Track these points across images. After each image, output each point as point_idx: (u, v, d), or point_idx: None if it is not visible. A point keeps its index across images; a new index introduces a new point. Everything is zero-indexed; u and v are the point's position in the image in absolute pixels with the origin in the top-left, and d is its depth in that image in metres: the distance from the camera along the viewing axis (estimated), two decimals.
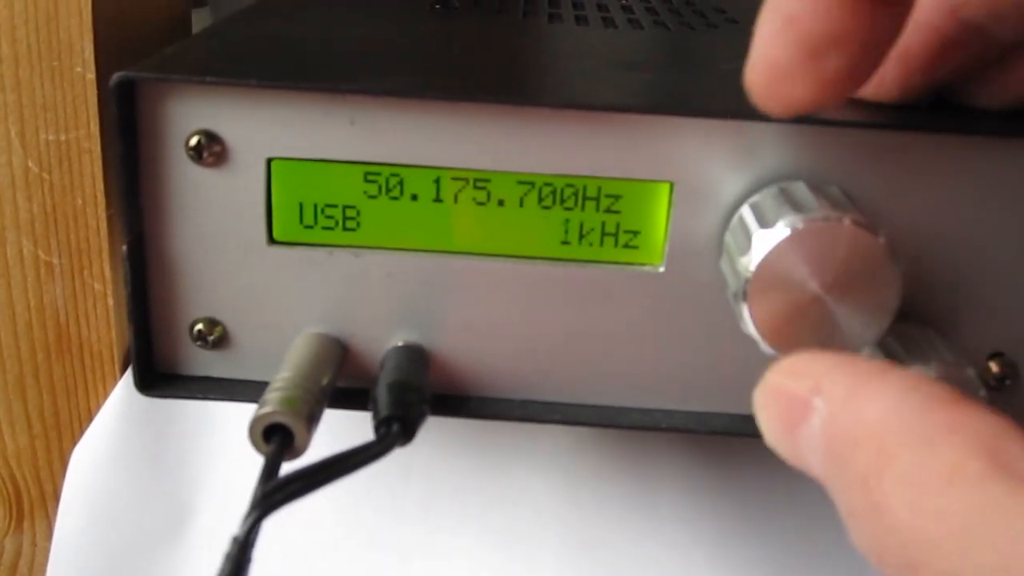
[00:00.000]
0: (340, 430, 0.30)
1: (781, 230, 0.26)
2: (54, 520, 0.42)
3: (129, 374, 0.40)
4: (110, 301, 0.40)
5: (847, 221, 0.26)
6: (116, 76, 0.28)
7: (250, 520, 0.24)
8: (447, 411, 0.32)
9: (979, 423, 0.18)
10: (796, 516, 0.39)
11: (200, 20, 0.75)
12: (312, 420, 0.28)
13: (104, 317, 0.40)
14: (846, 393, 0.20)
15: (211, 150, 0.30)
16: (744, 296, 0.26)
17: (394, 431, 0.27)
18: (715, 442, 0.41)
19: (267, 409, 0.27)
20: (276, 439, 0.27)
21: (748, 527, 0.39)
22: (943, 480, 0.17)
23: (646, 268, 0.31)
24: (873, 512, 0.18)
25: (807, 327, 0.27)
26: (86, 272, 0.39)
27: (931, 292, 0.31)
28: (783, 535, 0.39)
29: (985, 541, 0.16)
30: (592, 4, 0.48)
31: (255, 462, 0.27)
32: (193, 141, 0.29)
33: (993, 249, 0.30)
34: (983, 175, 0.29)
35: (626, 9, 0.48)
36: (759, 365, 0.31)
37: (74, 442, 0.41)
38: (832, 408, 0.20)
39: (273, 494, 0.25)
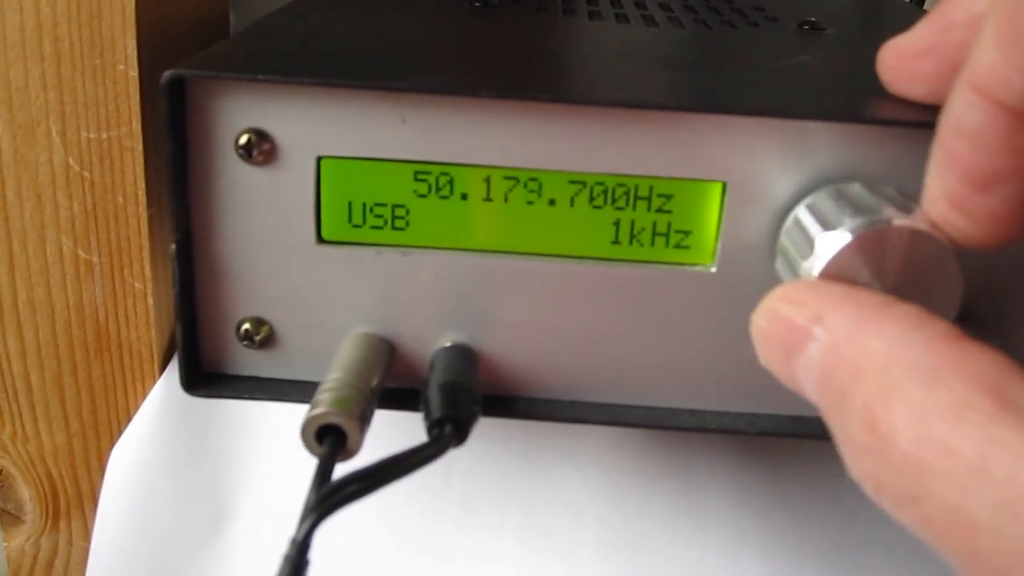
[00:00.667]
0: (381, 431, 0.29)
1: (844, 234, 0.26)
2: (90, 520, 0.42)
3: (168, 373, 0.40)
4: (150, 300, 0.39)
5: (913, 225, 0.25)
6: (167, 74, 0.28)
7: (308, 523, 0.24)
8: (497, 412, 0.31)
9: (984, 361, 0.18)
10: (841, 517, 0.39)
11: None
12: (364, 421, 0.28)
13: (144, 316, 0.40)
14: (850, 325, 0.20)
15: (261, 148, 0.29)
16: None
17: (447, 432, 0.27)
18: (760, 443, 0.40)
19: (320, 410, 0.27)
20: (329, 440, 0.27)
21: (794, 529, 0.38)
22: (952, 415, 0.17)
23: (697, 268, 0.30)
24: (874, 442, 0.18)
25: None
26: (126, 271, 0.39)
27: (989, 295, 0.30)
28: (828, 537, 0.38)
29: (992, 478, 0.16)
30: (630, 2, 0.48)
31: (293, 461, 0.27)
32: (243, 139, 0.29)
33: None
34: None
35: (664, 7, 0.47)
36: None
37: (112, 441, 0.41)
38: (834, 338, 0.21)
39: (330, 496, 0.25)
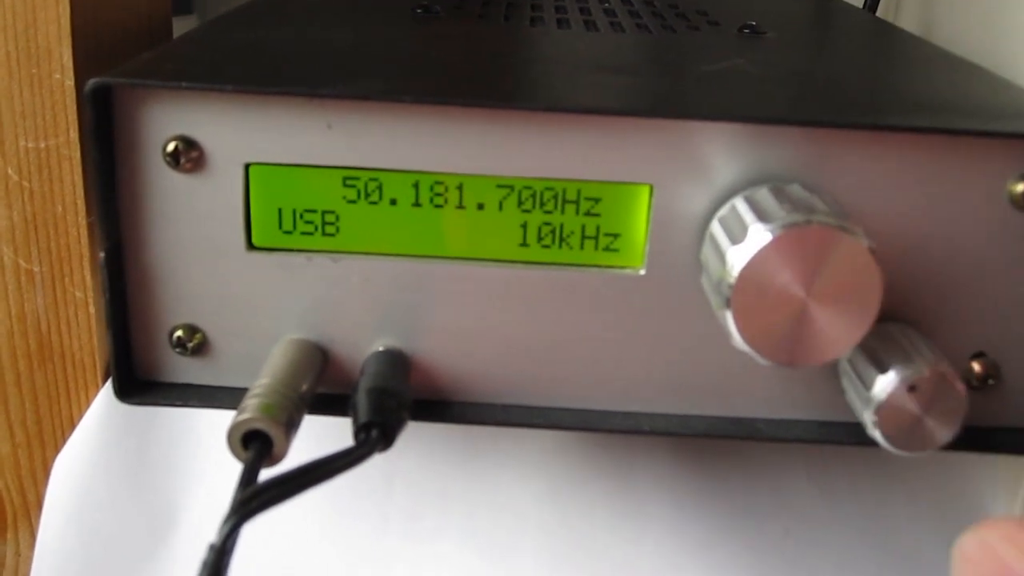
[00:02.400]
0: (325, 435, 0.30)
1: (751, 244, 0.26)
2: (37, 528, 0.42)
3: (112, 381, 0.40)
4: (91, 309, 0.39)
5: (815, 223, 0.26)
6: (91, 82, 0.28)
7: (227, 527, 0.24)
8: (429, 416, 0.32)
9: None
10: (782, 518, 0.39)
11: (186, 27, 0.75)
12: (291, 426, 0.28)
13: (86, 325, 0.40)
14: None
15: (188, 156, 0.29)
16: (727, 308, 0.27)
17: (373, 437, 0.27)
18: (699, 444, 0.41)
19: (245, 416, 0.27)
20: (255, 446, 0.27)
21: (733, 529, 0.39)
22: None
23: (627, 271, 0.31)
24: None
25: (792, 330, 0.27)
26: (67, 280, 0.39)
27: (914, 293, 0.31)
28: (768, 537, 0.39)
29: None
30: (574, 8, 0.48)
31: (238, 469, 0.27)
32: (170, 147, 0.29)
33: (975, 249, 0.30)
34: (964, 174, 0.29)
35: (608, 12, 0.48)
36: (741, 367, 0.31)
37: (57, 450, 0.40)
38: None
39: (250, 501, 0.25)
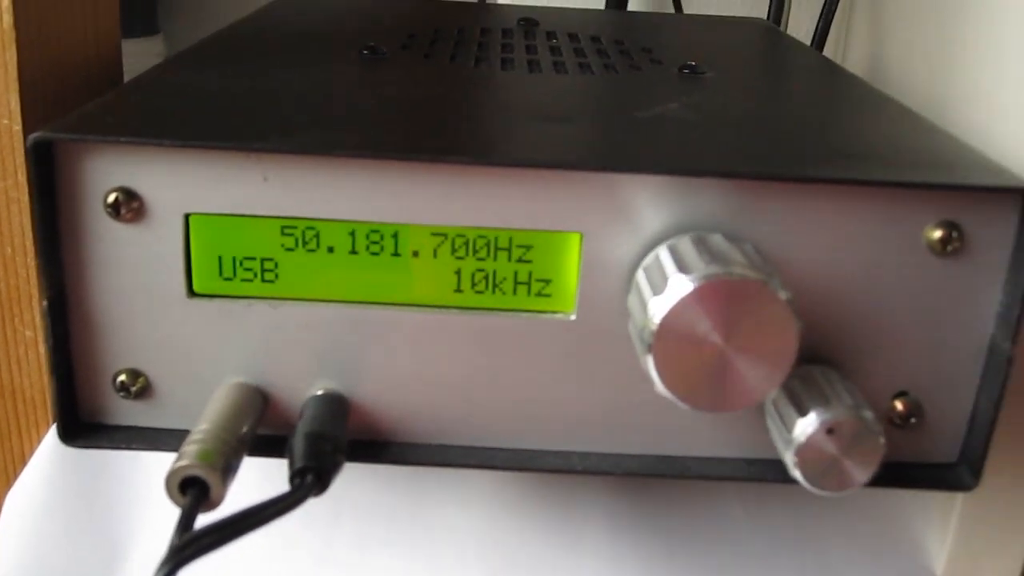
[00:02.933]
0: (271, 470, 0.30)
1: (671, 294, 0.27)
2: None
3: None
4: (41, 348, 0.40)
5: (733, 276, 0.27)
6: (32, 137, 0.29)
7: (163, 572, 0.25)
8: (367, 457, 0.32)
9: None
10: (720, 553, 0.40)
11: (151, 49, 0.75)
12: (229, 471, 0.29)
13: (35, 363, 0.40)
14: None
15: (129, 206, 0.30)
16: (648, 354, 0.27)
17: (308, 482, 0.28)
18: (639, 482, 0.42)
19: (183, 463, 0.28)
20: (192, 492, 0.28)
21: (672, 565, 0.40)
22: None
23: (558, 316, 0.32)
24: None
25: (712, 377, 0.28)
26: (17, 320, 0.39)
27: (835, 334, 0.32)
28: (707, 571, 0.40)
29: None
30: (521, 46, 0.49)
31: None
32: (111, 198, 0.30)
33: (896, 293, 0.31)
34: (883, 221, 0.31)
35: (554, 51, 0.49)
36: (670, 407, 0.32)
37: (7, 486, 0.41)
38: None
39: (186, 548, 0.25)
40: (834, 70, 0.49)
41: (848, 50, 0.70)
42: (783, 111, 0.40)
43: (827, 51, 0.67)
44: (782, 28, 0.72)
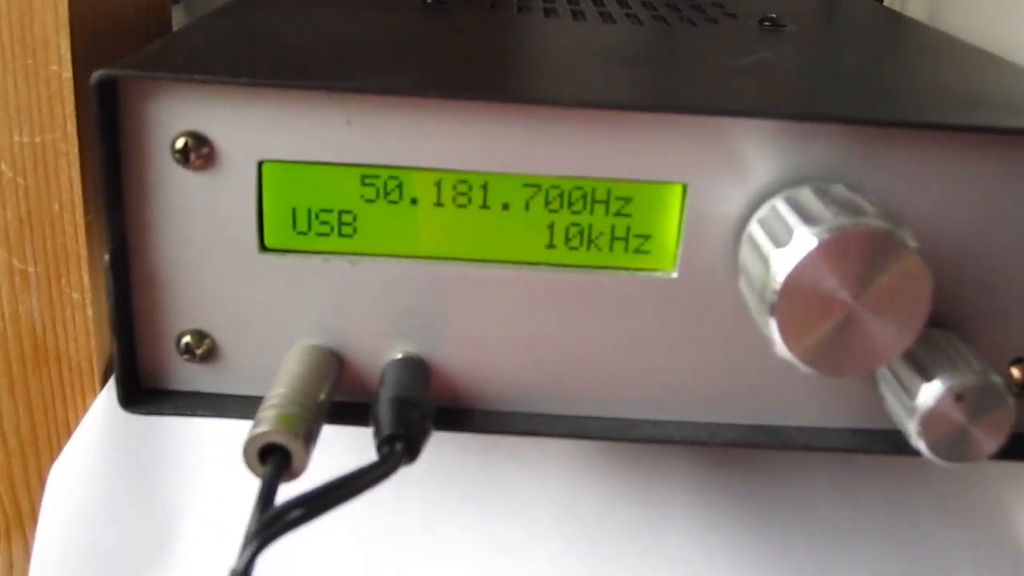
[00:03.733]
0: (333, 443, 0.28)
1: (797, 248, 0.25)
2: (31, 539, 0.40)
3: (110, 387, 0.38)
4: (89, 311, 0.38)
5: (863, 226, 0.25)
6: (97, 74, 0.26)
7: (248, 551, 0.23)
8: (451, 426, 0.30)
9: None
10: (807, 528, 0.38)
11: (175, 17, 0.73)
12: (310, 439, 0.27)
13: (83, 327, 0.38)
14: None
15: (199, 152, 0.28)
16: (770, 315, 0.25)
17: (398, 450, 0.26)
18: (723, 453, 0.40)
19: (263, 428, 0.26)
20: (273, 460, 0.26)
21: (758, 540, 0.38)
22: None
23: (658, 274, 0.29)
24: None
25: (838, 338, 0.25)
26: (63, 281, 0.37)
27: (955, 297, 0.30)
28: (794, 548, 0.38)
29: None
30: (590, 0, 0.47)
31: (239, 477, 0.26)
32: (179, 143, 0.28)
33: (1013, 247, 0.29)
34: (1011, 172, 0.28)
35: (622, 4, 0.46)
36: (774, 374, 0.30)
37: (52, 458, 0.39)
38: None
39: (272, 523, 0.23)
40: (911, 23, 0.47)
41: (906, 4, 0.68)
42: (880, 63, 0.38)
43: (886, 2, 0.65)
44: None
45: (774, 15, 0.42)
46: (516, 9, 0.43)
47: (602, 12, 0.43)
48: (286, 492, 0.25)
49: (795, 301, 0.25)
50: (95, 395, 0.39)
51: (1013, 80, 0.34)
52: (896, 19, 0.48)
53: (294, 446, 0.26)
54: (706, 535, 0.37)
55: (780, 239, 0.26)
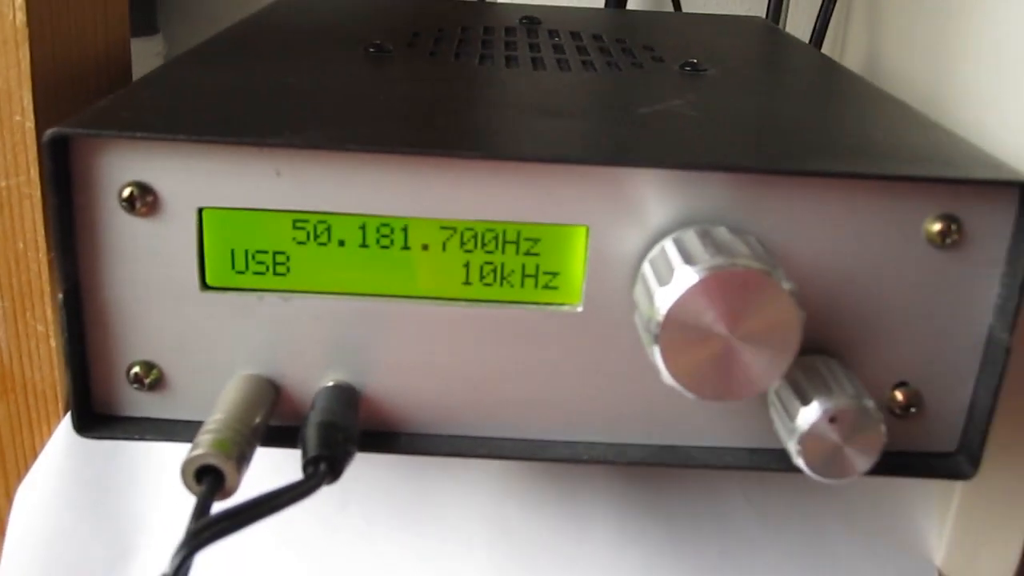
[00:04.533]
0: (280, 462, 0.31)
1: (677, 285, 0.28)
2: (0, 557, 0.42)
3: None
4: (52, 342, 0.40)
5: (737, 267, 0.27)
6: (49, 133, 0.29)
7: (179, 556, 0.25)
8: (378, 447, 0.33)
9: None
10: (722, 541, 0.41)
11: (150, 48, 0.76)
12: (243, 460, 0.29)
13: (47, 357, 0.41)
14: None
15: (144, 200, 0.31)
16: (655, 345, 0.28)
17: (321, 470, 0.29)
18: (640, 469, 0.42)
19: (198, 451, 0.28)
20: (208, 480, 0.28)
21: (674, 551, 0.40)
22: None
23: (565, 308, 0.32)
24: None
25: (717, 367, 0.28)
26: (28, 314, 0.40)
27: (838, 326, 0.32)
28: (708, 558, 0.40)
29: None
30: (524, 44, 0.50)
31: (192, 497, 0.28)
32: (126, 192, 0.31)
33: (896, 285, 0.32)
34: (883, 214, 0.31)
35: (557, 48, 0.49)
36: (673, 398, 0.32)
37: (18, 480, 0.41)
38: None
39: (202, 532, 0.26)
40: (833, 68, 0.50)
41: (846, 48, 0.71)
42: (784, 108, 0.41)
43: (825, 49, 0.67)
44: (781, 26, 0.72)
45: (695, 60, 0.45)
46: (454, 56, 0.45)
47: (534, 58, 0.46)
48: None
49: (676, 333, 0.28)
50: (59, 420, 0.41)
51: (910, 128, 0.37)
52: (823, 65, 0.51)
53: (227, 467, 0.28)
54: (624, 547, 0.40)
55: (663, 277, 0.29)
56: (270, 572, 0.40)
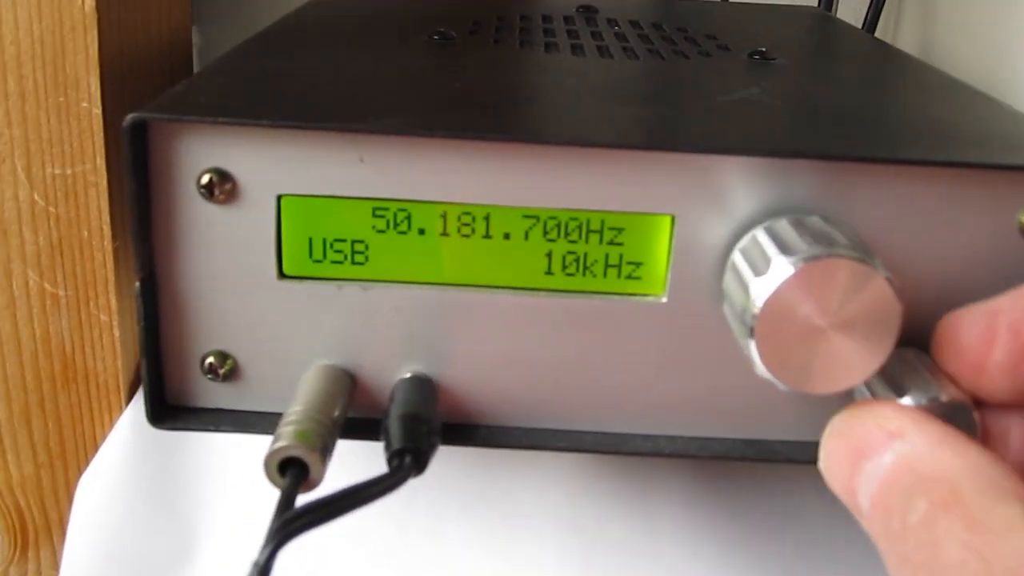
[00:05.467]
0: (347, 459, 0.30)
1: (774, 276, 0.27)
2: (59, 549, 0.42)
3: (135, 403, 0.41)
4: (115, 332, 0.40)
5: (835, 256, 0.27)
6: (129, 118, 0.29)
7: (269, 547, 0.25)
8: (457, 440, 0.32)
9: None
10: (795, 538, 0.40)
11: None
12: (326, 452, 0.29)
13: (110, 347, 0.40)
14: (936, 441, 0.23)
15: (222, 188, 0.30)
16: (750, 338, 0.27)
17: (407, 463, 0.28)
18: (714, 466, 0.41)
19: (282, 443, 0.28)
20: (292, 472, 0.28)
21: (748, 550, 0.39)
22: (1004, 529, 0.20)
23: (649, 299, 0.31)
24: (924, 544, 0.21)
25: (813, 359, 0.27)
26: (92, 303, 0.40)
27: (926, 318, 0.32)
28: (783, 558, 0.39)
29: None
30: (586, 32, 0.49)
31: (260, 490, 0.28)
32: (204, 179, 0.30)
33: (986, 277, 0.31)
34: (975, 204, 0.30)
35: (620, 37, 0.48)
36: (758, 391, 0.32)
37: (79, 471, 0.41)
38: (916, 449, 0.23)
39: (291, 523, 0.25)
40: (900, 56, 0.49)
41: (898, 36, 0.70)
42: (862, 96, 0.40)
43: (878, 36, 0.66)
44: (833, 14, 0.71)
45: (763, 49, 0.44)
46: (519, 44, 0.45)
47: (600, 46, 0.45)
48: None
49: (773, 325, 0.27)
50: (121, 411, 0.41)
51: (992, 115, 0.36)
52: (885, 52, 0.50)
53: (311, 459, 0.28)
54: (699, 544, 0.39)
55: (759, 267, 0.28)
56: (340, 572, 0.39)
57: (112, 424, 0.41)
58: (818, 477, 0.29)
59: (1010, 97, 0.43)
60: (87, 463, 0.41)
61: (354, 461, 0.30)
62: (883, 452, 0.24)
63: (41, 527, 0.43)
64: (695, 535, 0.40)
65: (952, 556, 0.20)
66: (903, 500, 0.22)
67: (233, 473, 0.41)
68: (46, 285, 0.39)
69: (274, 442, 0.28)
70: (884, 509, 0.22)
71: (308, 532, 0.26)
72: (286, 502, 0.27)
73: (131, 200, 0.30)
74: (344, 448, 0.30)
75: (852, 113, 0.36)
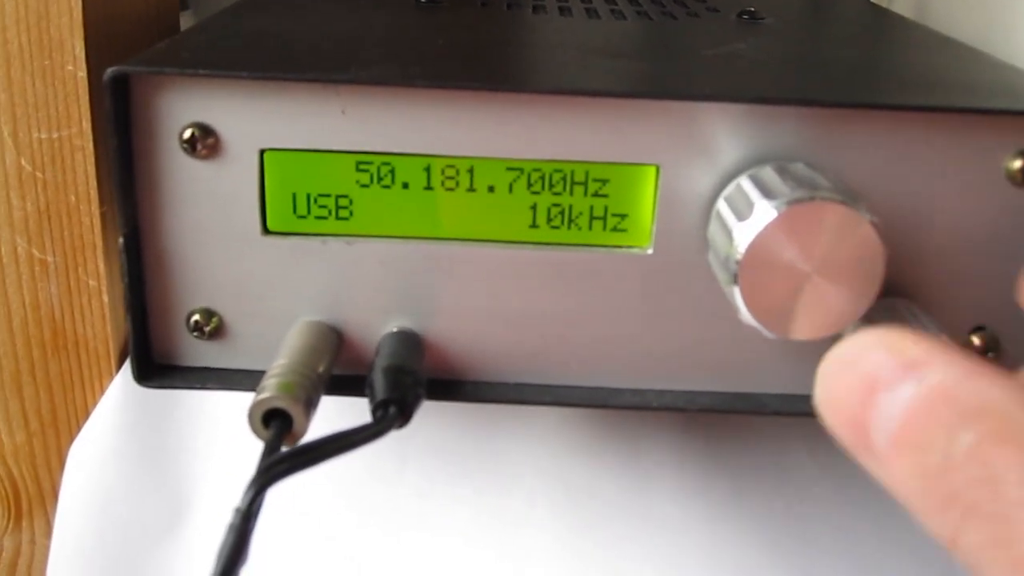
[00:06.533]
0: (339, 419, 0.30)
1: (757, 221, 0.27)
2: (53, 517, 0.42)
3: (126, 369, 0.40)
4: (105, 297, 0.40)
5: (818, 199, 0.27)
6: (110, 71, 0.28)
7: (252, 491, 0.25)
8: (443, 395, 0.32)
9: None
10: (786, 493, 0.40)
11: (183, 22, 0.75)
12: (310, 405, 0.29)
13: (99, 313, 0.40)
14: (970, 369, 0.20)
15: (204, 142, 0.30)
16: (734, 284, 0.27)
17: (391, 414, 0.28)
18: (704, 423, 0.41)
19: (266, 395, 0.28)
20: (275, 424, 0.28)
21: (739, 505, 0.39)
22: None
23: (634, 251, 0.31)
24: (978, 482, 0.18)
25: (798, 304, 0.27)
26: (80, 269, 0.39)
27: (915, 267, 0.31)
28: (773, 512, 0.39)
29: None
30: None
31: (252, 452, 0.28)
32: (187, 134, 0.30)
33: (974, 225, 0.31)
34: (961, 150, 0.30)
35: (608, 0, 0.48)
36: (745, 343, 0.32)
37: (71, 439, 0.41)
38: (948, 378, 0.20)
39: (274, 467, 0.25)
40: (891, 16, 0.49)
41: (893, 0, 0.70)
42: (850, 51, 0.40)
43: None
44: None
45: (752, 8, 0.44)
46: (506, 6, 0.45)
47: (588, 8, 0.45)
48: None
49: (756, 270, 0.27)
50: (111, 378, 0.41)
51: (980, 67, 0.36)
52: (876, 13, 0.50)
53: (295, 411, 0.28)
54: (688, 500, 0.39)
55: (743, 213, 0.28)
56: (331, 531, 0.39)
57: (103, 390, 0.41)
58: (808, 430, 0.29)
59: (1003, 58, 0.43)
60: (78, 430, 0.41)
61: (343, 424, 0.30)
62: (903, 382, 0.20)
63: (35, 496, 0.43)
64: (685, 490, 0.40)
65: (1017, 494, 0.17)
66: (944, 433, 0.19)
67: (224, 437, 0.41)
68: (34, 251, 0.39)
69: (258, 394, 0.28)
70: (914, 445, 0.19)
71: (291, 475, 0.26)
72: (270, 452, 0.27)
73: (113, 156, 0.30)
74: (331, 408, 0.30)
75: (838, 65, 0.36)
